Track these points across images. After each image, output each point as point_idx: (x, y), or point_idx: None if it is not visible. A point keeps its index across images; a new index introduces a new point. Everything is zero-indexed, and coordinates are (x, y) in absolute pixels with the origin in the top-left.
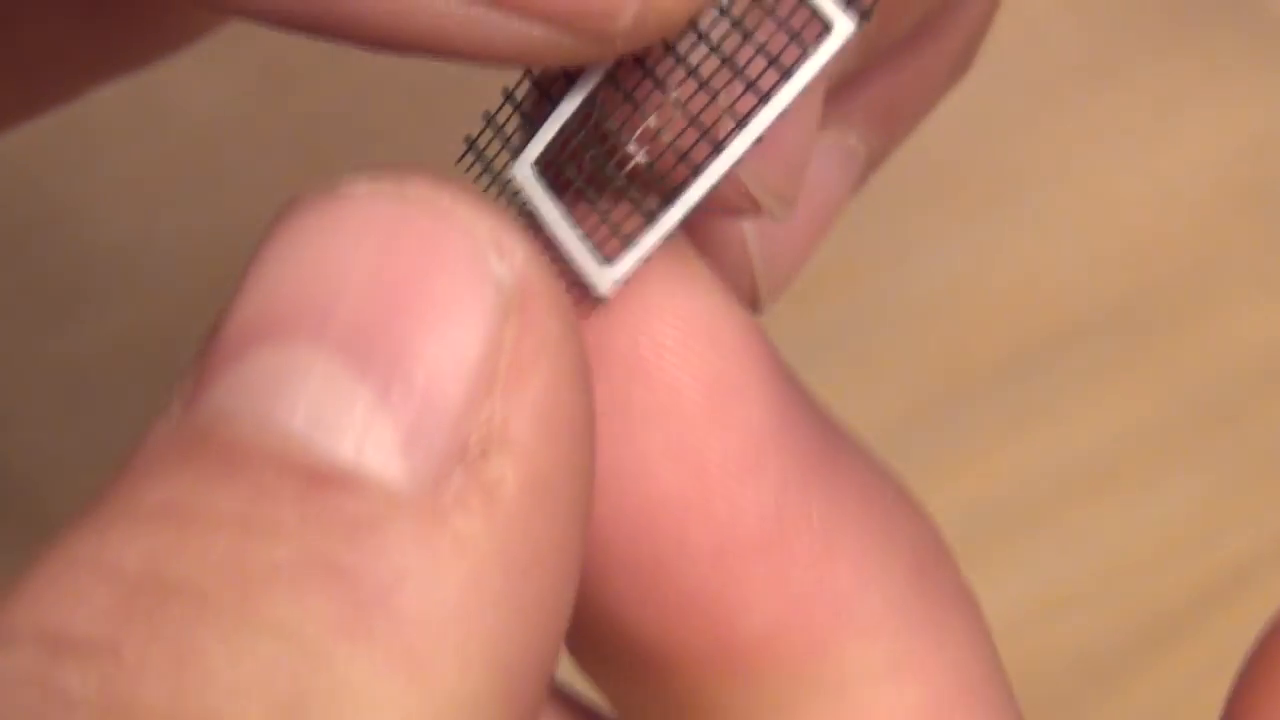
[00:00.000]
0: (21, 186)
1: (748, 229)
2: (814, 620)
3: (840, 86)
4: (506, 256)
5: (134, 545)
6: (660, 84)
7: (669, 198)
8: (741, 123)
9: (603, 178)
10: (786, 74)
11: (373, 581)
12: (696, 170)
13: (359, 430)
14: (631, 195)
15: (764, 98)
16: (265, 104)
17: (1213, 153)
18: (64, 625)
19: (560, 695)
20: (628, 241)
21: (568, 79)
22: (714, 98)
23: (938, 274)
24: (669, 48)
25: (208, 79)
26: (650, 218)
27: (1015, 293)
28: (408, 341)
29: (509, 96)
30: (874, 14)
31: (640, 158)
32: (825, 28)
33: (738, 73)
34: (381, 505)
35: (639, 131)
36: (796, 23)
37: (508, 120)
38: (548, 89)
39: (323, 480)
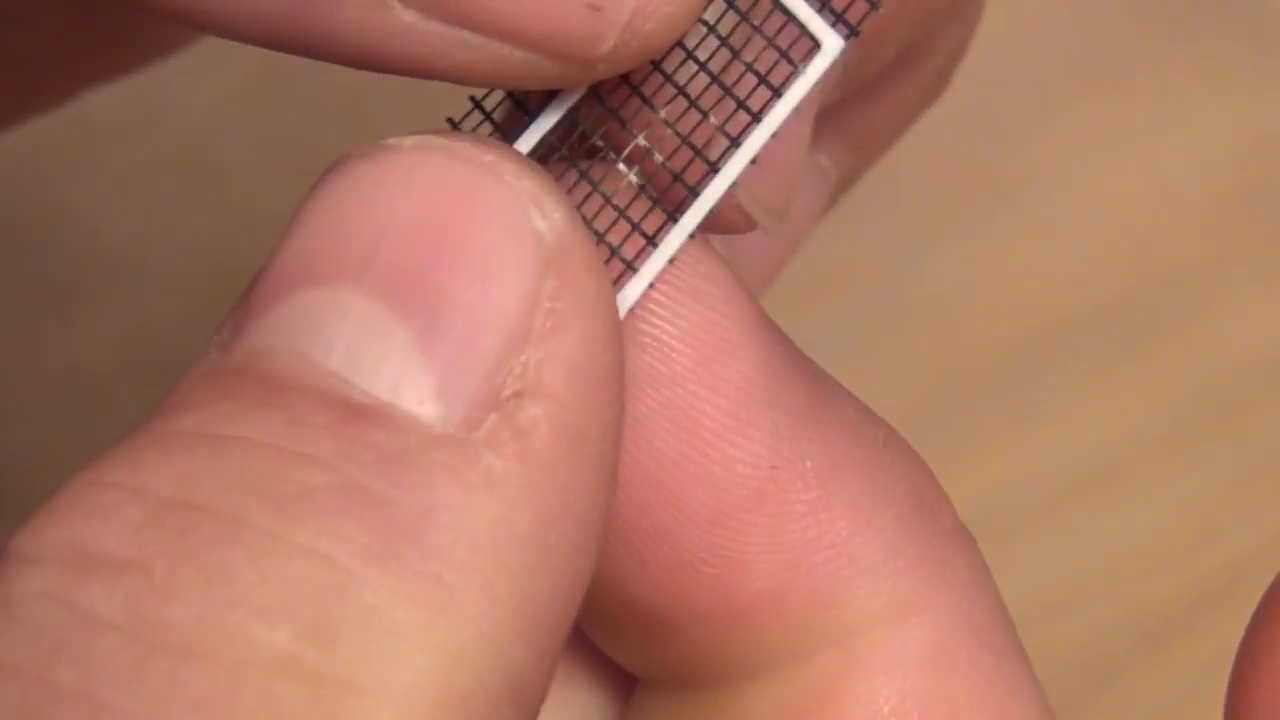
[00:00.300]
0: (22, 187)
1: (717, 243)
2: (815, 570)
3: (817, 112)
4: (548, 214)
5: (166, 467)
6: (647, 101)
7: (667, 218)
8: (735, 142)
9: (593, 196)
10: (778, 93)
11: (405, 511)
12: (694, 191)
13: (396, 369)
14: (627, 216)
15: (756, 117)
16: (265, 104)
17: (1213, 153)
18: (92, 543)
19: (578, 643)
20: (630, 265)
21: (546, 92)
22: (704, 117)
23: (938, 274)
24: (655, 65)
25: (208, 79)
26: (650, 241)
27: (1015, 293)
28: (448, 288)
29: (477, 105)
30: (862, 30)
31: (632, 178)
32: (814, 45)
33: (728, 92)
34: (416, 439)
35: (628, 150)
36: (785, 41)
37: (475, 130)
38: (523, 100)
39: (358, 413)
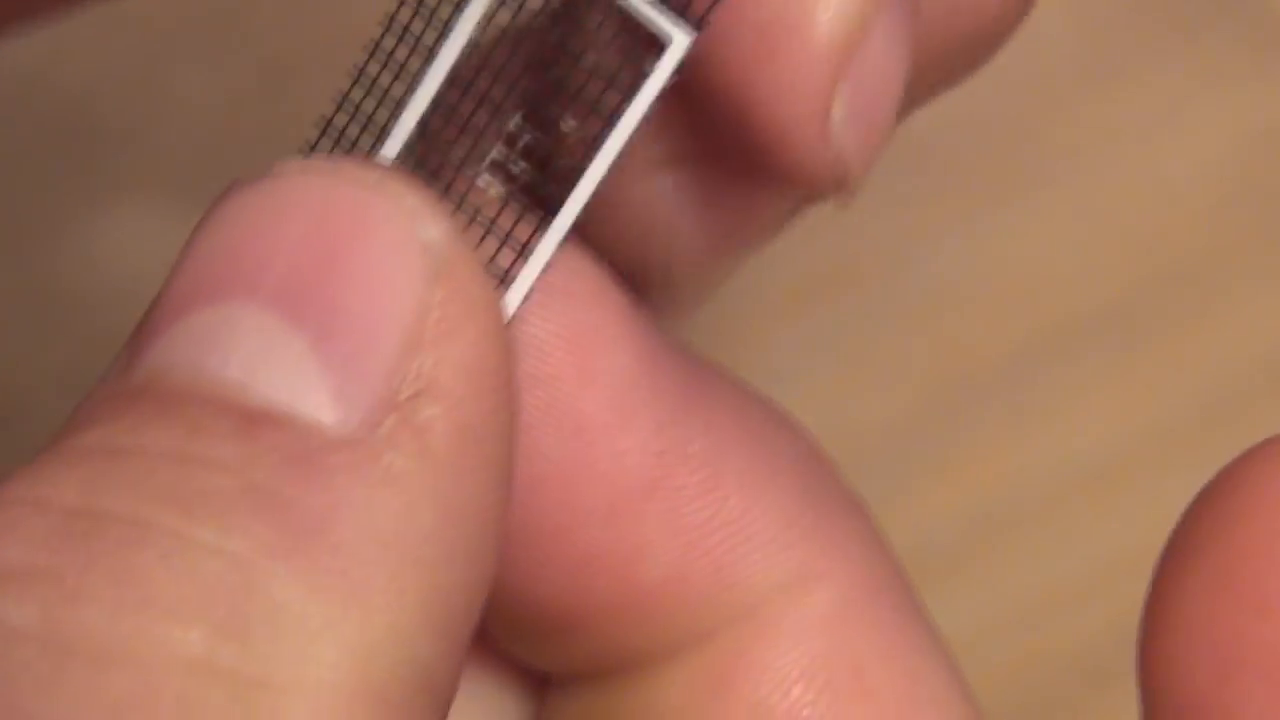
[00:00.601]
0: (22, 188)
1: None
2: (713, 550)
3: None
4: (433, 226)
5: (69, 479)
6: (499, 109)
7: (537, 226)
8: (594, 147)
9: (463, 206)
10: (630, 95)
11: (309, 509)
12: (559, 195)
13: (292, 376)
14: (498, 228)
15: (612, 121)
16: (265, 104)
17: (1213, 153)
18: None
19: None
20: (505, 276)
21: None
22: (558, 124)
23: (938, 274)
24: (508, 82)
25: (208, 80)
26: (524, 251)
27: (1015, 293)
28: (340, 298)
29: (328, 124)
30: (710, 21)
31: (494, 189)
32: (661, 44)
33: (576, 97)
34: (316, 441)
35: (488, 161)
36: (633, 42)
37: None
38: (385, 123)
39: (258, 418)
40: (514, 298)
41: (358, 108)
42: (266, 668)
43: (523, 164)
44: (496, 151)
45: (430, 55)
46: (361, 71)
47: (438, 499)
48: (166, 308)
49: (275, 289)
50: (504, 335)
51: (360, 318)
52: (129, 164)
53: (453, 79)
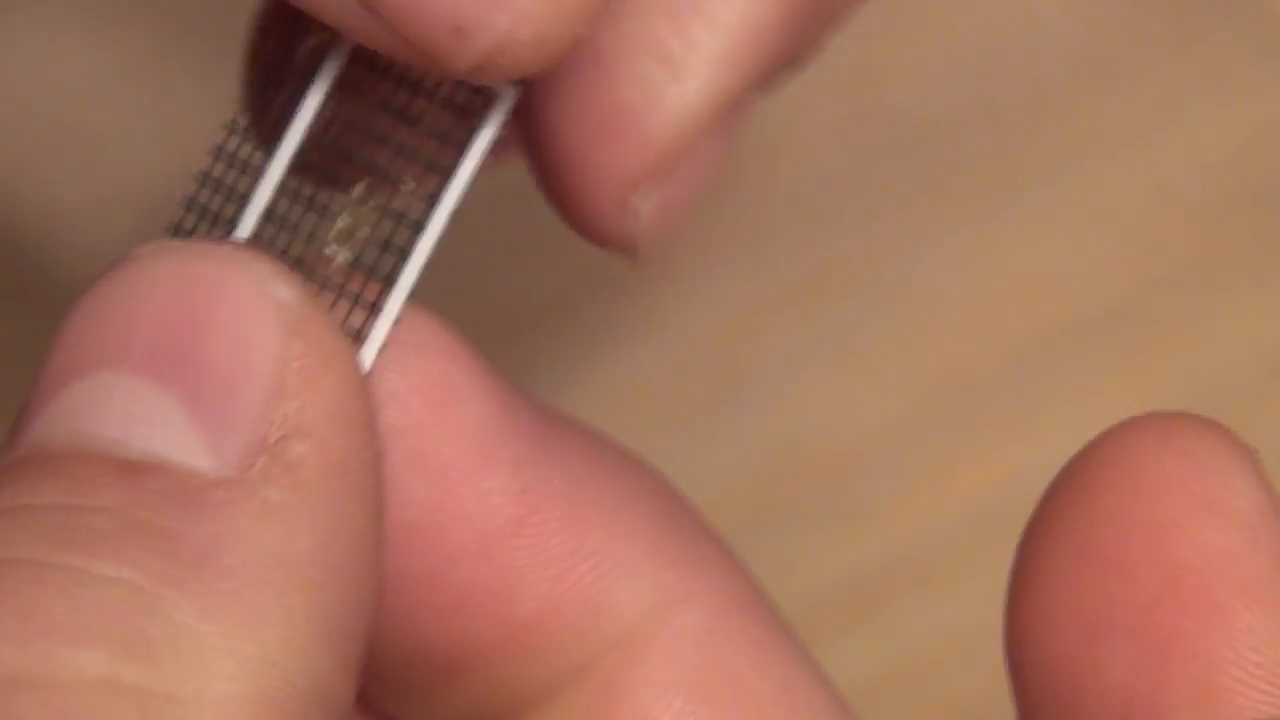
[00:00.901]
0: (21, 189)
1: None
2: (582, 580)
3: None
4: (285, 286)
5: None
6: (341, 181)
7: (384, 285)
8: (432, 201)
9: (314, 275)
10: (461, 151)
11: (195, 539)
12: (404, 253)
13: (166, 431)
14: (348, 291)
15: (446, 177)
16: None
17: (1213, 153)
18: None
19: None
20: (359, 334)
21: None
22: (398, 187)
23: (938, 274)
24: (346, 155)
25: (207, 81)
26: (374, 310)
27: (1015, 293)
28: (204, 357)
29: (190, 201)
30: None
31: (341, 257)
32: (489, 99)
33: (413, 157)
34: (195, 483)
35: (334, 232)
36: (464, 96)
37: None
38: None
39: (138, 468)
40: (369, 353)
41: (204, 207)
42: (170, 683)
43: (366, 228)
44: (342, 220)
45: (270, 152)
46: (207, 174)
47: (314, 526)
48: (42, 387)
49: (142, 355)
50: (361, 380)
51: (225, 373)
52: (129, 166)
53: (295, 163)
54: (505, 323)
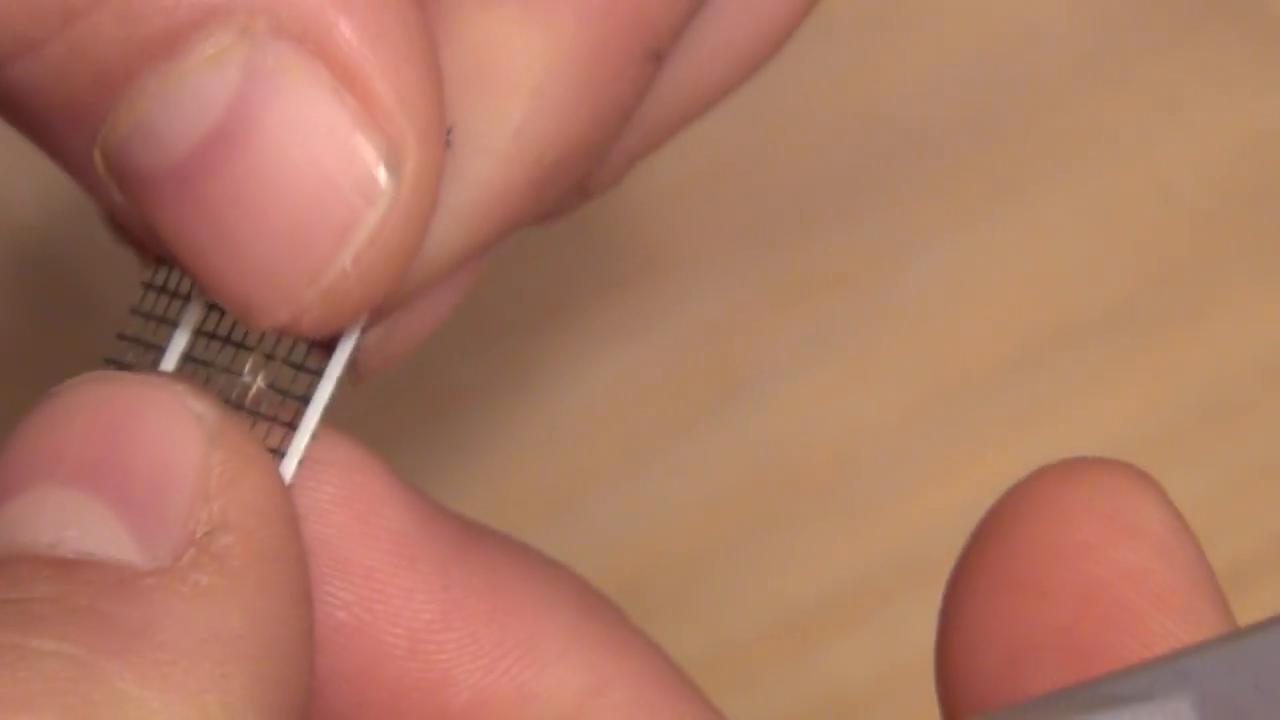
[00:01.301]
0: (22, 189)
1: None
2: (511, 669)
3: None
4: (202, 401)
5: None
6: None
7: (301, 402)
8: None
9: (232, 401)
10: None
11: (131, 619)
12: (318, 373)
13: (97, 534)
14: (266, 413)
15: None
16: None
17: (1213, 153)
18: None
19: None
20: (278, 449)
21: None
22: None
23: (938, 274)
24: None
25: None
26: (291, 425)
27: (1015, 293)
28: (129, 464)
29: (123, 336)
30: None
31: (258, 384)
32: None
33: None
34: (128, 573)
35: (249, 363)
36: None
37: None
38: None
39: (74, 565)
40: (290, 466)
41: (137, 342)
42: None
43: (281, 353)
44: (258, 350)
45: (185, 303)
46: (136, 312)
47: (245, 607)
48: None
49: (70, 468)
50: (280, 481)
51: (150, 478)
52: None
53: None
54: (504, 324)
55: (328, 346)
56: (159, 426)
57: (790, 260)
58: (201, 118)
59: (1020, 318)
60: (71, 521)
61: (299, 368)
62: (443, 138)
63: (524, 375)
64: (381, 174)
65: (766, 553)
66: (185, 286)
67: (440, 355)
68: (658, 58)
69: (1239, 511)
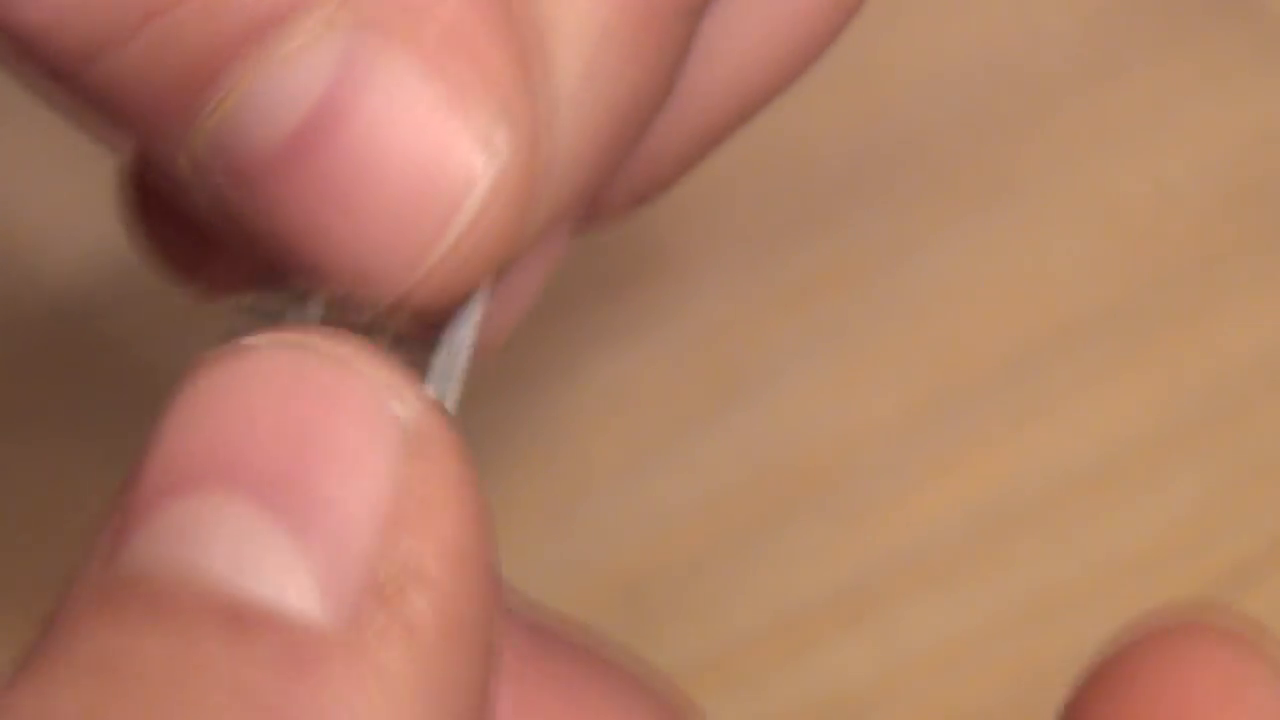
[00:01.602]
0: (21, 191)
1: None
2: None
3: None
4: (407, 401)
5: (72, 700)
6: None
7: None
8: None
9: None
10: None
11: (303, 712)
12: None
13: (276, 571)
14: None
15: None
16: None
17: (1213, 153)
18: None
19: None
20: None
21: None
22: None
23: (938, 274)
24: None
25: None
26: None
27: (1015, 293)
28: (317, 485)
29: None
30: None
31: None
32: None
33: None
34: (305, 641)
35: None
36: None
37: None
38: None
39: (247, 620)
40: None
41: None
42: None
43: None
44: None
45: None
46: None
47: (428, 689)
48: (145, 493)
49: (252, 478)
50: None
51: (338, 505)
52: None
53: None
54: None
55: (439, 329)
56: (353, 427)
57: (790, 260)
58: (301, 98)
59: (1020, 317)
60: (249, 550)
61: (425, 343)
62: (536, 99)
63: (524, 375)
64: (495, 134)
65: (766, 553)
66: (278, 305)
67: None
68: (695, 13)
69: (1239, 511)
